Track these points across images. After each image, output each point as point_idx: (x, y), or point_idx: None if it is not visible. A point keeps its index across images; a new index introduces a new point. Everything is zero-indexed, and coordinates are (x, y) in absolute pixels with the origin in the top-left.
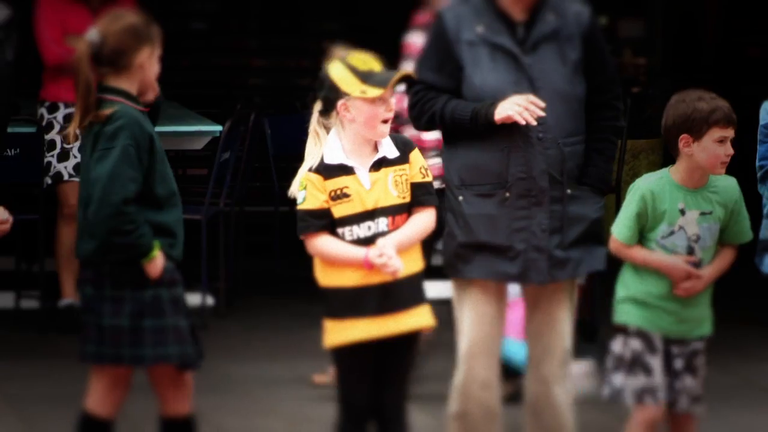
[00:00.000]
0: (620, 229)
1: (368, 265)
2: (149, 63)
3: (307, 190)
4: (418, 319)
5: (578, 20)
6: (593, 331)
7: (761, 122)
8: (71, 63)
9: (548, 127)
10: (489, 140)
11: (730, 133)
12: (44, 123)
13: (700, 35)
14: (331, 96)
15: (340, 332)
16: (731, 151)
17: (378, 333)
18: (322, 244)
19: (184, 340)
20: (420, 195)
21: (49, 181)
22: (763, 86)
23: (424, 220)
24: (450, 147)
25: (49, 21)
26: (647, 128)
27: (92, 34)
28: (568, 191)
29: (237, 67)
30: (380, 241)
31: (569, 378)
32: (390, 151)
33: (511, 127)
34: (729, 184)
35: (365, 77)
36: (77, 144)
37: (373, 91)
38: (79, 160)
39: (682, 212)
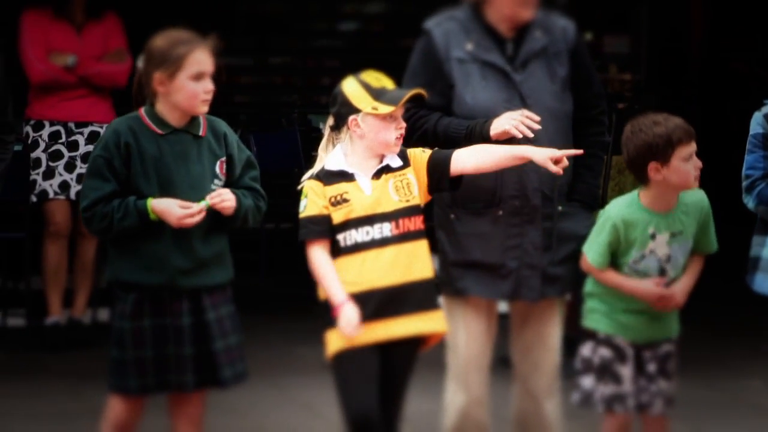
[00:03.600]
0: (593, 255)
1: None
2: (171, 86)
3: (308, 198)
4: (430, 323)
5: (565, 36)
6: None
7: (751, 132)
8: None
9: (540, 145)
10: None
11: (693, 147)
12: (29, 141)
13: (685, 51)
14: (343, 111)
15: (344, 337)
16: (700, 164)
17: (383, 336)
18: (316, 257)
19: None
20: (441, 156)
21: (34, 199)
22: (748, 101)
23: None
24: None
25: (33, 39)
26: None
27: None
28: (559, 208)
29: (223, 84)
30: None
31: (559, 393)
32: (394, 161)
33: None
34: (698, 198)
35: (378, 94)
36: (62, 162)
37: (385, 108)
38: (64, 177)
39: (653, 237)
